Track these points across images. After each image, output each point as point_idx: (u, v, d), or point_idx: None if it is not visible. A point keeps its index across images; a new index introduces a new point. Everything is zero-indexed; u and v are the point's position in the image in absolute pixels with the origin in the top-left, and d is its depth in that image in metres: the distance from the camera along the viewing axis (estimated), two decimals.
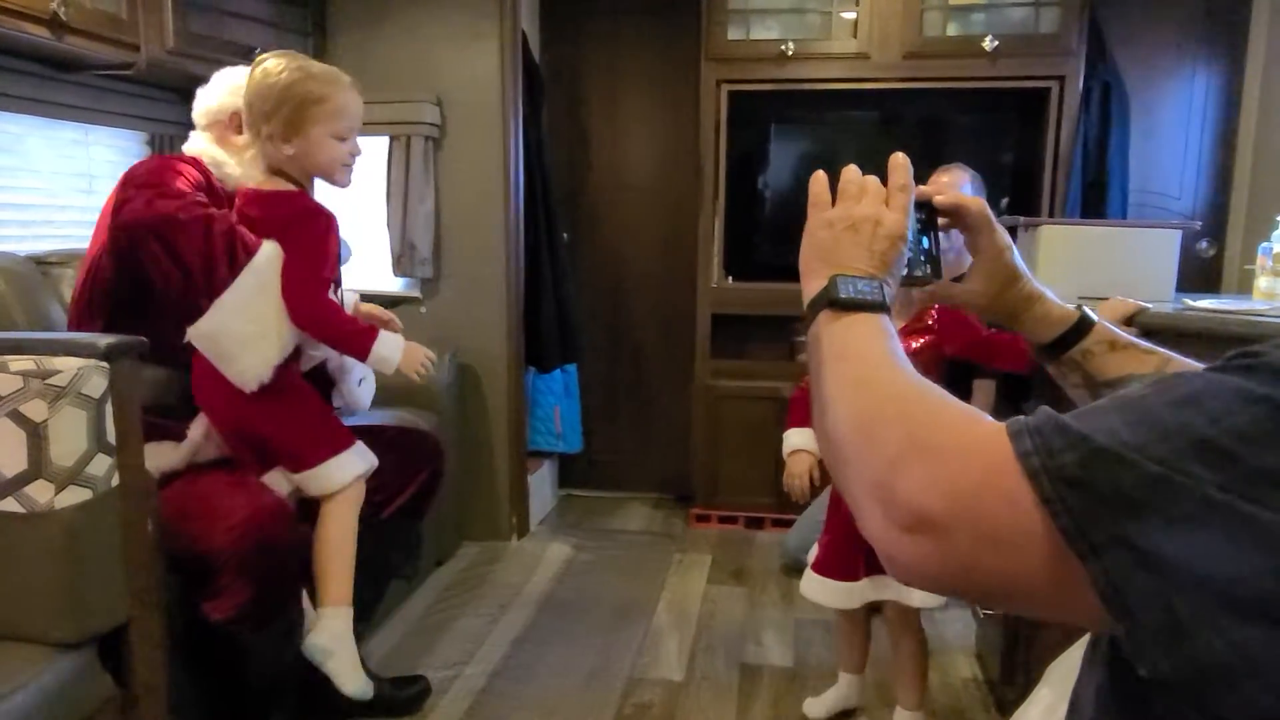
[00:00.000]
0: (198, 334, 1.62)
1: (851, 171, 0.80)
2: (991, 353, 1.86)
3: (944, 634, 2.48)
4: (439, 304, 3.11)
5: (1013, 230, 2.48)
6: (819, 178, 0.81)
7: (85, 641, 1.27)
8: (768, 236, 3.38)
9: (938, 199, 0.87)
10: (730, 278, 3.40)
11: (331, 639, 1.59)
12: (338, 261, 1.76)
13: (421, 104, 2.95)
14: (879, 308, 0.72)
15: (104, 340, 1.28)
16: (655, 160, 3.66)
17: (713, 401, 3.38)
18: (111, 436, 1.28)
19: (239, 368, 1.62)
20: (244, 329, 1.61)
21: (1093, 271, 1.98)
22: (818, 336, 0.72)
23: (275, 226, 1.66)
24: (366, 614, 2.08)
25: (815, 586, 1.89)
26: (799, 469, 1.90)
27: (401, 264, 3.02)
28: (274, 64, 1.66)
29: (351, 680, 1.60)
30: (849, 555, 1.83)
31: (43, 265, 2.08)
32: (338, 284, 1.81)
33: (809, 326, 0.74)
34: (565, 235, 3.45)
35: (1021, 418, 0.54)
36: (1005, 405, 2.53)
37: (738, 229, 3.36)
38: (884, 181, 0.80)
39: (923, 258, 0.85)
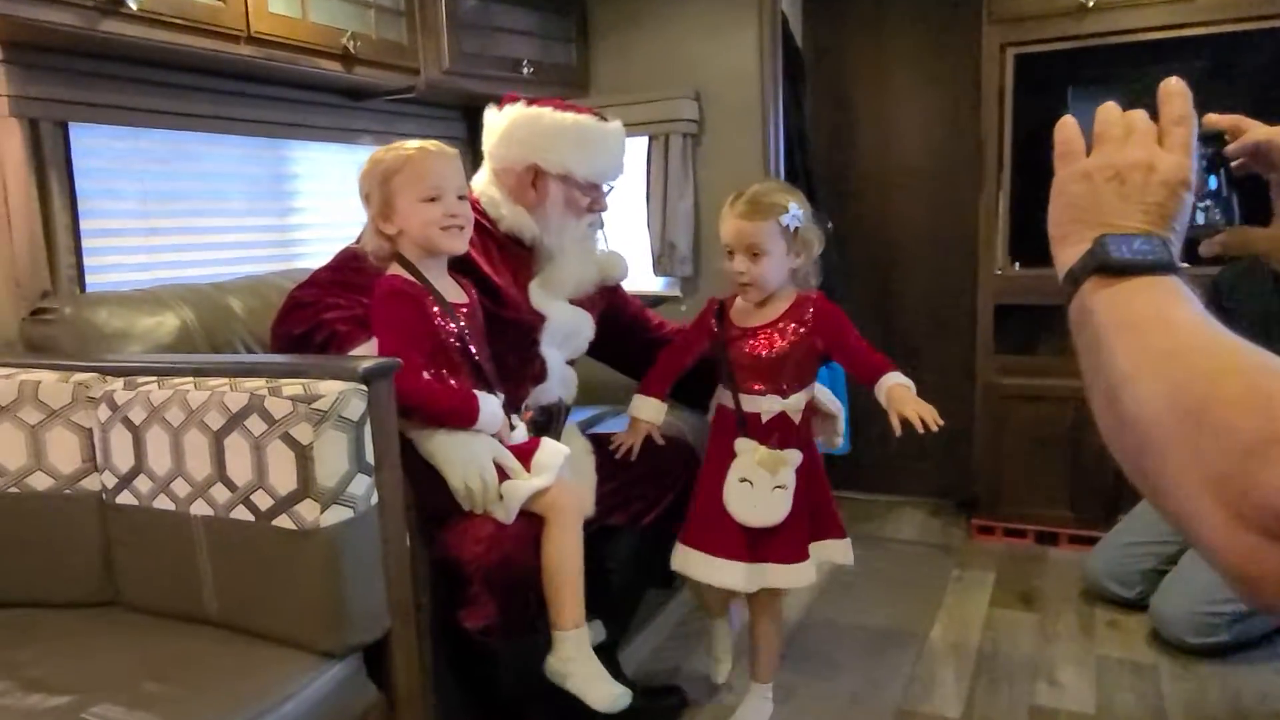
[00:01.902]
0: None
1: (1110, 110, 0.64)
2: (850, 362, 1.94)
3: None
4: (699, 302, 3.05)
5: None
6: (1066, 122, 0.66)
7: (349, 652, 1.34)
8: None
9: (1232, 143, 0.70)
10: (1017, 264, 3.04)
11: (564, 662, 1.59)
12: (437, 341, 1.63)
13: (680, 101, 2.91)
14: (1168, 268, 0.56)
15: (363, 364, 1.34)
16: (928, 138, 3.36)
17: (998, 401, 3.05)
18: (370, 457, 1.34)
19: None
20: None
21: None
22: (1086, 309, 0.58)
23: (372, 312, 1.65)
24: (623, 621, 2.08)
25: (692, 561, 1.88)
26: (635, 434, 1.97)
27: (662, 263, 3.01)
28: (371, 155, 1.68)
29: (597, 696, 1.58)
30: (724, 528, 1.85)
31: None
32: (495, 383, 1.71)
33: (1069, 301, 0.60)
34: (830, 224, 3.27)
35: None
36: None
37: (1026, 209, 2.98)
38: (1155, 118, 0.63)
39: (1208, 202, 0.70)
